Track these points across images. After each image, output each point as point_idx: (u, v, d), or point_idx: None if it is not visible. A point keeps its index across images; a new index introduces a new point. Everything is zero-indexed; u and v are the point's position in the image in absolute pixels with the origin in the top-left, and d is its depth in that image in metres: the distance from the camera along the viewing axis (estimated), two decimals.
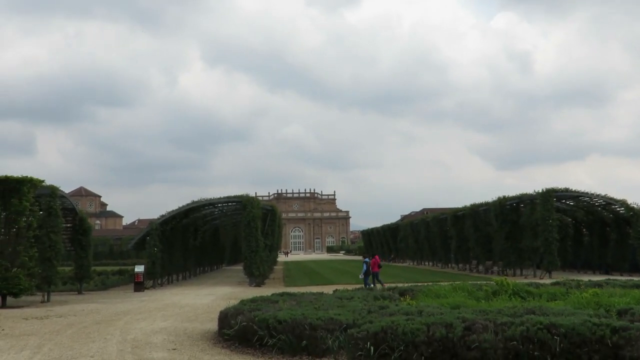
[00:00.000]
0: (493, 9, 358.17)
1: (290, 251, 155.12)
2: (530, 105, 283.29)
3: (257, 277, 34.62)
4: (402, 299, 16.36)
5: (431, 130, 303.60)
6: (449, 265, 53.23)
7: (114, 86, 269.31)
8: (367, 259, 31.18)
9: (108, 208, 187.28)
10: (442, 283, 22.18)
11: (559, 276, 34.08)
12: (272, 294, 17.26)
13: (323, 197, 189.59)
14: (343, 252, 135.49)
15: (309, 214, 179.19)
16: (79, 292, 30.92)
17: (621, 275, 35.70)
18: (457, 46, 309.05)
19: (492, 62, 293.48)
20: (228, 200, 36.89)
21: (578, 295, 14.27)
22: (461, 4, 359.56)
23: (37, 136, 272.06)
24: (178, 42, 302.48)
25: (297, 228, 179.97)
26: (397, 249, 74.34)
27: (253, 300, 15.65)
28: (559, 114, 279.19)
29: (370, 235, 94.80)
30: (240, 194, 36.04)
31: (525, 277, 35.67)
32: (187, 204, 36.17)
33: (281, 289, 30.18)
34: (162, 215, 35.83)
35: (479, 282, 19.95)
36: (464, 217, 45.95)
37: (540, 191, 36.39)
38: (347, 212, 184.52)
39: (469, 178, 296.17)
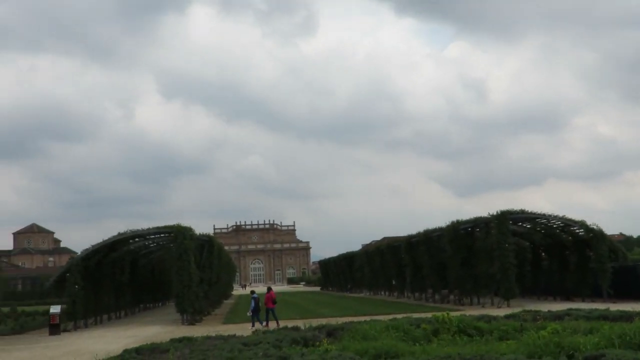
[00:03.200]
0: (446, 38, 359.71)
1: (250, 283, 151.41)
2: (487, 132, 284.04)
3: (191, 314, 31.61)
4: (325, 340, 13.56)
5: (389, 159, 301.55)
6: (405, 294, 50.50)
7: (68, 120, 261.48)
8: (255, 295, 28.26)
9: (62, 244, 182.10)
10: (379, 318, 19.48)
11: (518, 304, 31.84)
12: (171, 340, 14.38)
13: (283, 228, 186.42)
14: (303, 283, 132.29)
15: (268, 246, 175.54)
16: None
17: (583, 300, 33.37)
18: (413, 76, 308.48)
19: (447, 91, 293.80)
20: (157, 231, 33.57)
21: (534, 335, 11.48)
22: (414, 34, 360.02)
23: None
24: (133, 75, 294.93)
25: (257, 260, 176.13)
26: (353, 279, 71.47)
27: (139, 350, 12.70)
28: (515, 141, 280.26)
29: (327, 266, 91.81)
30: (172, 224, 32.86)
31: (483, 306, 33.24)
32: (112, 237, 32.72)
33: (217, 327, 27.56)
34: (85, 250, 32.49)
35: (422, 316, 17.27)
36: (417, 244, 43.40)
37: (496, 214, 33.98)
38: (308, 242, 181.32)
39: (429, 206, 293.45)
